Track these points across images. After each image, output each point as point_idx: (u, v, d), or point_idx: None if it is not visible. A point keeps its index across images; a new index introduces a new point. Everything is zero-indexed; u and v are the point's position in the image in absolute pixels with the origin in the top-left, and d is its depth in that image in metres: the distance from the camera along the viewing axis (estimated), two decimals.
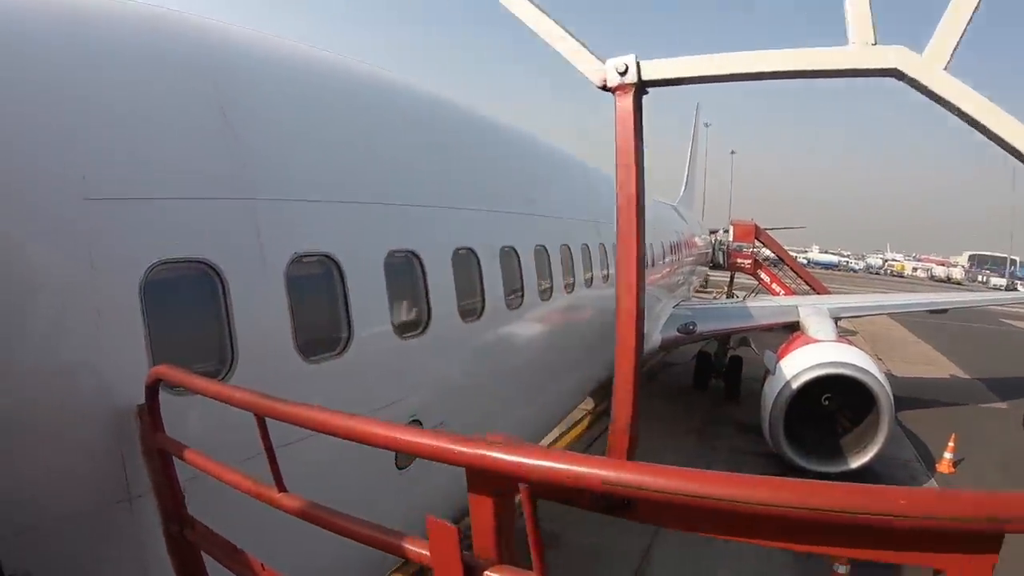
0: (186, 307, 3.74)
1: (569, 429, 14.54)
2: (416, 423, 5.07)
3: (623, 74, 2.82)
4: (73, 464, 3.03)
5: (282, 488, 2.47)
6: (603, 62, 2.89)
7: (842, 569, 8.19)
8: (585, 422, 14.91)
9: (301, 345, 4.05)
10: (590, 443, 13.74)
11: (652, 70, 2.81)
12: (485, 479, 1.80)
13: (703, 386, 18.95)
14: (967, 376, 23.01)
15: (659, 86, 2.87)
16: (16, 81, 3.04)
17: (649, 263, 14.46)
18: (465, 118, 7.78)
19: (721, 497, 1.52)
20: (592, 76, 2.90)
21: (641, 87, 2.87)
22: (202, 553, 3.19)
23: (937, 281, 75.68)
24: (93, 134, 3.27)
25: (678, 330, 15.89)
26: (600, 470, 1.61)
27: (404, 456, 4.81)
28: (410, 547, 2.02)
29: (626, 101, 2.84)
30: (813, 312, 15.09)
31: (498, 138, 8.69)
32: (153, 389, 3.06)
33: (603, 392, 12.33)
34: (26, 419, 2.87)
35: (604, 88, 2.90)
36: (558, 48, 2.94)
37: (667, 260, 18.29)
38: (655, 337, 15.21)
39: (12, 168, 2.92)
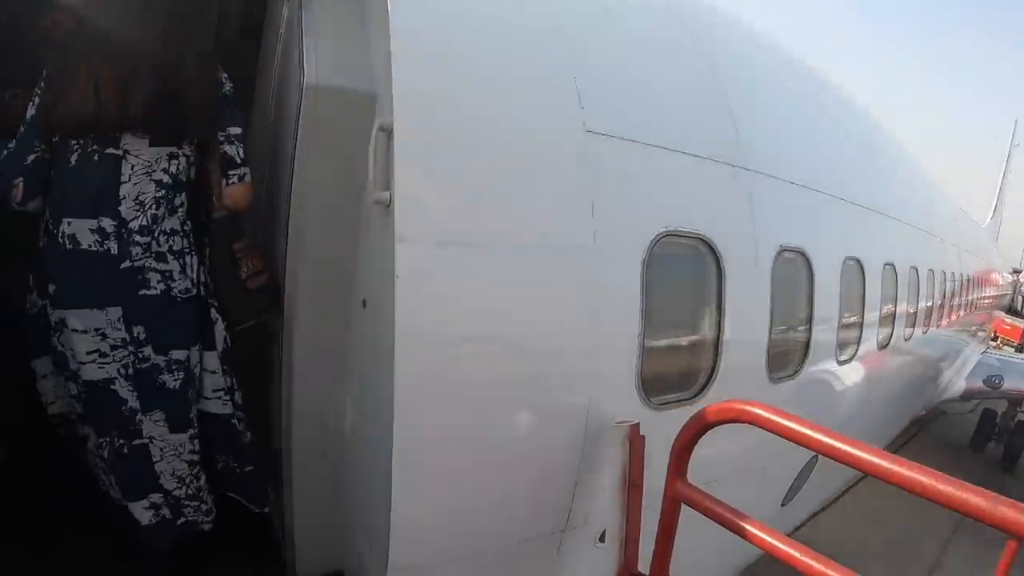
0: (679, 297, 2.99)
1: None
2: None
3: None
4: (526, 484, 2.36)
5: None
6: None
7: None
8: None
9: (770, 358, 3.33)
10: None
11: None
12: None
13: (980, 447, 15.93)
14: None
15: None
16: None
17: (964, 294, 12.17)
18: (873, 126, 6.78)
19: None
20: None
21: None
22: None
23: None
24: (591, 49, 2.65)
25: (983, 381, 13.30)
26: None
27: (790, 495, 4.26)
28: None
29: None
30: None
31: (897, 150, 7.56)
32: (704, 428, 2.15)
33: None
34: (481, 424, 2.21)
35: None
36: None
37: (981, 296, 15.33)
38: (959, 384, 12.84)
39: (509, 78, 2.33)
